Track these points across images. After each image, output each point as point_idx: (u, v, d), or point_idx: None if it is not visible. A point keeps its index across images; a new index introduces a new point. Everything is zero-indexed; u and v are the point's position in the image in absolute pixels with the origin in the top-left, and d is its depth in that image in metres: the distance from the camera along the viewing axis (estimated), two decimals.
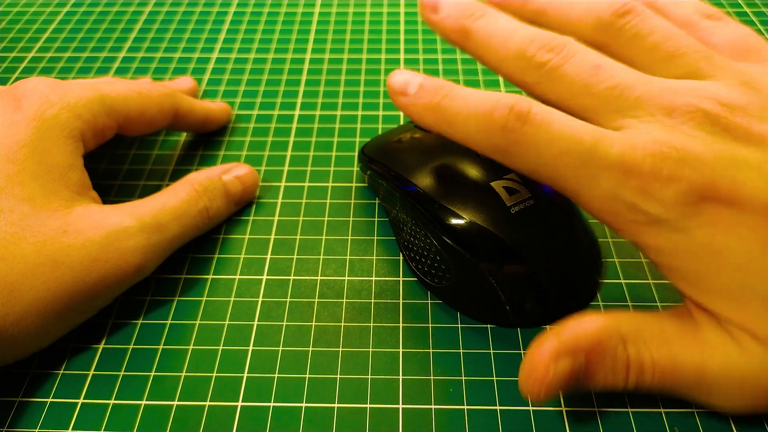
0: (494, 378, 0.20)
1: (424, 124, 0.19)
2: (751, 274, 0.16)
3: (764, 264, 0.16)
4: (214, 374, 0.21)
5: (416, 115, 0.19)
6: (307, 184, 0.27)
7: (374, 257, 0.24)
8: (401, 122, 0.30)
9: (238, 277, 0.24)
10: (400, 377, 0.20)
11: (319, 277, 0.23)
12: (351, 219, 0.26)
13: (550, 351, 0.17)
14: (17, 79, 0.34)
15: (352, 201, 0.26)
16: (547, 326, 0.22)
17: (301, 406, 0.20)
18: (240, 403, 0.20)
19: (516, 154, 0.18)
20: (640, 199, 0.17)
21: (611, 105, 0.18)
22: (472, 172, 0.22)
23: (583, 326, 0.17)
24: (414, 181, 0.23)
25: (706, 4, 0.21)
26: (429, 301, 0.23)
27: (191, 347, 0.21)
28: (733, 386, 0.17)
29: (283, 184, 0.27)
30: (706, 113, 0.17)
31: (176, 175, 0.28)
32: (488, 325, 0.22)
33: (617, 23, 0.19)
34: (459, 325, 0.22)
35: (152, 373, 0.21)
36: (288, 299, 0.23)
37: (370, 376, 0.20)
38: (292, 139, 0.30)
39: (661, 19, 0.19)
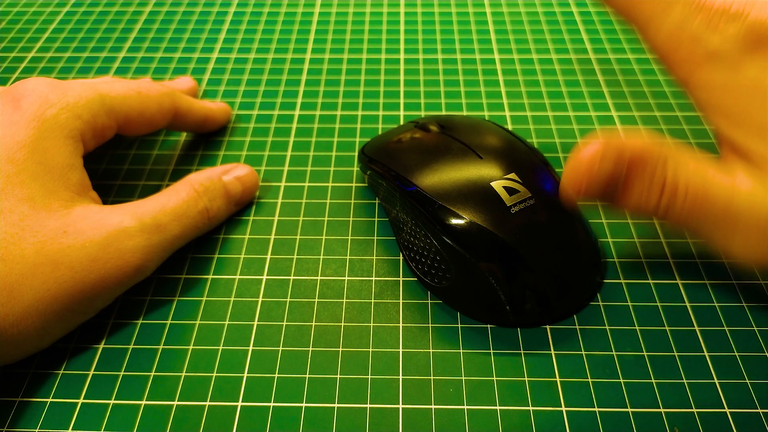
0: (494, 378, 0.20)
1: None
2: None
3: None
4: (214, 374, 0.21)
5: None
6: (307, 184, 0.27)
7: (374, 257, 0.24)
8: (401, 122, 0.30)
9: (238, 277, 0.24)
10: (400, 377, 0.20)
11: (319, 277, 0.23)
12: (351, 219, 0.26)
13: (597, 149, 0.18)
14: (17, 79, 0.34)
15: (352, 201, 0.26)
16: (548, 326, 0.22)
17: (301, 406, 0.20)
18: (240, 403, 0.20)
19: None
20: (704, 32, 0.18)
21: None
22: (472, 172, 0.22)
23: (630, 139, 0.18)
24: (414, 181, 0.23)
25: None
26: (429, 301, 0.23)
27: (191, 347, 0.21)
28: (757, 225, 0.18)
29: (283, 184, 0.27)
30: None
31: (176, 175, 0.28)
32: (488, 325, 0.22)
33: None
34: (459, 325, 0.22)
35: (152, 373, 0.21)
36: (288, 299, 0.23)
37: (370, 376, 0.20)
38: (292, 139, 0.30)
39: None
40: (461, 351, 0.21)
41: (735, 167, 0.18)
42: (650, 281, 0.23)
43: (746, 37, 0.18)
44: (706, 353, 0.21)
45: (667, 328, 0.22)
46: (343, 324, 0.22)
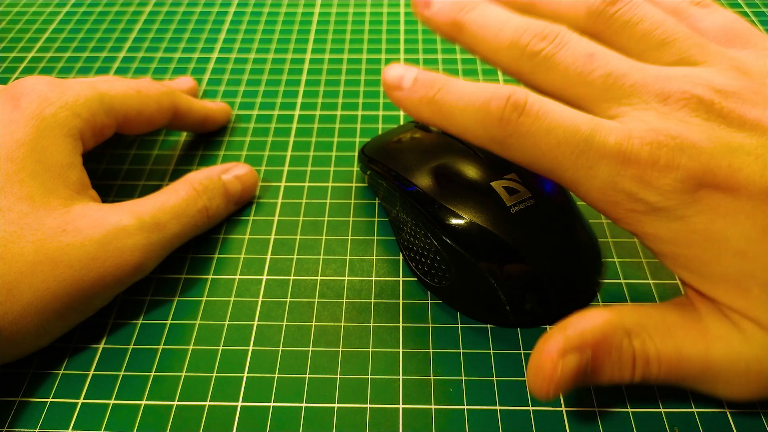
0: (494, 378, 0.20)
1: (419, 118, 0.19)
2: (751, 261, 0.16)
3: (763, 250, 0.16)
4: (214, 374, 0.21)
5: (412, 108, 0.19)
6: (307, 184, 0.27)
7: (374, 257, 0.24)
8: (401, 122, 0.30)
9: (238, 277, 0.24)
10: (400, 377, 0.20)
11: (319, 277, 0.23)
12: (351, 219, 0.26)
13: (557, 348, 0.17)
14: (17, 79, 0.34)
15: (352, 201, 0.26)
16: (547, 326, 0.22)
17: (301, 406, 0.20)
18: (240, 403, 0.20)
19: (514, 145, 0.18)
20: (639, 188, 0.17)
21: (606, 93, 0.18)
22: (472, 172, 0.22)
23: (588, 321, 0.17)
24: (414, 181, 0.23)
25: None
26: (429, 301, 0.23)
27: (191, 347, 0.21)
28: (737, 374, 0.17)
29: (283, 184, 0.27)
30: (700, 99, 0.17)
31: (176, 175, 0.28)
32: (488, 325, 0.22)
33: (608, 11, 0.19)
34: (459, 325, 0.22)
35: (152, 373, 0.21)
36: (288, 299, 0.23)
37: (370, 376, 0.20)
38: (292, 139, 0.30)
39: (651, 7, 0.19)
40: (461, 351, 0.21)
41: (704, 315, 0.18)
42: (650, 281, 0.23)
43: (684, 187, 0.16)
44: None
45: None
46: (343, 324, 0.22)
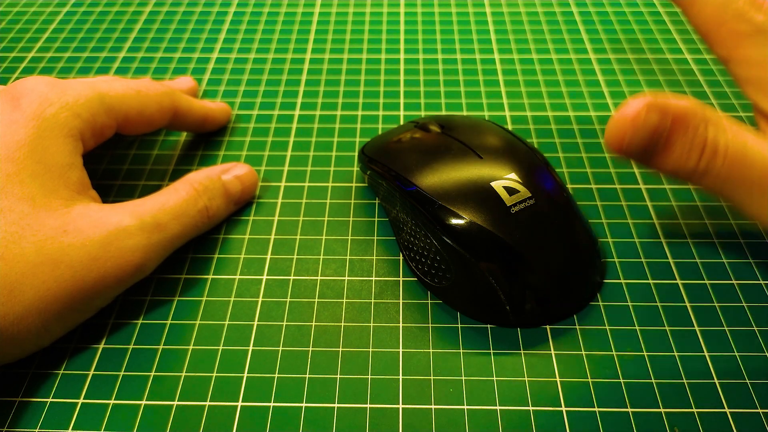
0: (494, 378, 0.20)
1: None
2: None
3: None
4: (214, 374, 0.21)
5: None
6: (307, 184, 0.27)
7: (374, 257, 0.24)
8: (401, 122, 0.30)
9: (238, 277, 0.24)
10: (400, 377, 0.20)
11: (319, 277, 0.23)
12: (351, 219, 0.26)
13: (643, 103, 0.18)
14: (17, 79, 0.34)
15: (352, 201, 0.26)
16: (548, 326, 0.22)
17: (301, 406, 0.20)
18: (240, 403, 0.20)
19: None
20: (750, 10, 0.19)
21: None
22: (472, 172, 0.22)
23: (675, 98, 0.19)
24: (414, 181, 0.23)
25: None
26: (429, 301, 0.23)
27: (191, 347, 0.21)
28: None
29: (283, 184, 0.27)
30: None
31: (176, 175, 0.28)
32: (488, 325, 0.22)
33: None
34: (459, 325, 0.22)
35: (152, 373, 0.21)
36: (288, 299, 0.23)
37: (370, 376, 0.20)
38: (292, 139, 0.30)
39: None
40: (461, 351, 0.21)
41: None
42: (650, 281, 0.23)
43: None
44: (706, 353, 0.21)
45: (667, 328, 0.22)
46: (343, 324, 0.22)
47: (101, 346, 0.21)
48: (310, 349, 0.21)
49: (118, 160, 0.29)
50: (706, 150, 0.18)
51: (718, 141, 0.18)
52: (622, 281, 0.23)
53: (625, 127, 0.18)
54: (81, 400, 0.20)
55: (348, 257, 0.24)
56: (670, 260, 0.24)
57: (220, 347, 0.21)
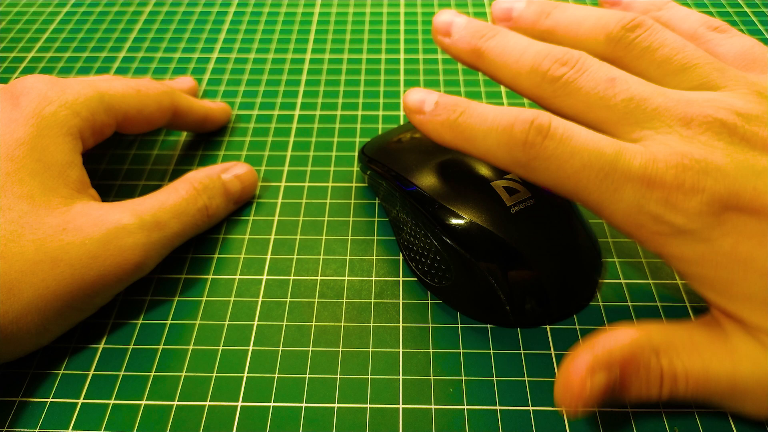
0: (494, 378, 0.20)
1: (442, 142, 0.20)
2: None
3: None
4: (214, 374, 0.21)
5: (434, 132, 0.19)
6: (307, 184, 0.27)
7: (374, 257, 0.24)
8: (401, 122, 0.30)
9: (238, 277, 0.24)
10: (400, 377, 0.20)
11: (319, 277, 0.23)
12: (351, 219, 0.26)
13: (586, 365, 0.17)
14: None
15: (352, 201, 0.26)
16: (548, 326, 0.22)
17: (301, 406, 0.20)
18: (240, 403, 0.20)
19: (537, 168, 0.18)
20: (665, 211, 0.17)
21: (628, 117, 0.18)
22: (472, 172, 0.22)
23: (616, 340, 0.17)
24: (414, 181, 0.23)
25: (711, 18, 0.21)
26: (429, 301, 0.23)
27: (191, 347, 0.21)
28: (765, 393, 0.17)
29: (283, 184, 0.27)
30: (723, 123, 0.17)
31: (176, 175, 0.28)
32: (488, 325, 0.22)
33: (627, 38, 0.19)
34: (459, 325, 0.22)
35: (152, 373, 0.21)
36: (288, 299, 0.23)
37: (370, 376, 0.20)
38: (292, 139, 0.30)
39: (670, 33, 0.19)
40: (461, 351, 0.21)
41: (730, 334, 0.18)
42: (650, 281, 0.23)
43: (710, 210, 0.16)
44: None
45: None
46: (343, 324, 0.22)
47: (101, 346, 0.21)
48: (310, 349, 0.21)
49: (118, 160, 0.29)
50: (665, 381, 0.17)
51: (675, 368, 0.17)
52: (622, 281, 0.23)
53: (575, 395, 0.17)
54: (81, 400, 0.20)
55: (348, 257, 0.24)
56: None
57: (220, 347, 0.21)
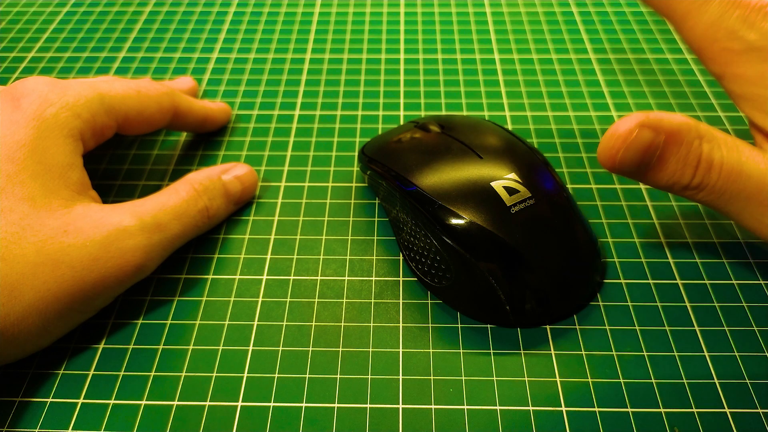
0: (494, 378, 0.20)
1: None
2: None
3: None
4: (214, 374, 0.21)
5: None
6: (307, 184, 0.27)
7: (374, 257, 0.24)
8: (401, 122, 0.30)
9: (238, 277, 0.24)
10: (400, 377, 0.20)
11: (319, 277, 0.23)
12: (351, 219, 0.26)
13: (636, 119, 0.18)
14: (17, 79, 0.34)
15: (352, 201, 0.26)
16: (548, 326, 0.22)
17: (301, 406, 0.20)
18: (240, 403, 0.20)
19: None
20: (742, 26, 0.19)
21: None
22: (472, 172, 0.22)
23: (669, 114, 0.19)
24: (414, 181, 0.23)
25: None
26: (429, 301, 0.23)
27: (191, 347, 0.21)
28: None
29: (283, 184, 0.27)
30: None
31: (176, 175, 0.28)
32: (488, 325, 0.22)
33: None
34: (459, 325, 0.22)
35: (152, 373, 0.21)
36: (288, 299, 0.23)
37: (370, 376, 0.20)
38: (292, 139, 0.30)
39: None
40: (461, 351, 0.21)
41: None
42: (650, 281, 0.23)
43: None
44: (706, 353, 0.21)
45: (667, 328, 0.22)
46: (343, 324, 0.22)
47: (101, 346, 0.21)
48: (310, 349, 0.21)
49: (118, 160, 0.29)
50: (701, 165, 0.19)
51: (713, 156, 0.19)
52: (622, 281, 0.23)
53: (617, 143, 0.18)
54: (81, 400, 0.20)
55: (348, 257, 0.24)
56: (670, 260, 0.24)
57: (220, 347, 0.21)
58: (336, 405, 0.20)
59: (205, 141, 0.30)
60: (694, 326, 0.22)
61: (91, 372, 0.21)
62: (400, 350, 0.21)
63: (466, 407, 0.20)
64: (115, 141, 0.29)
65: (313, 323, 0.22)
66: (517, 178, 0.22)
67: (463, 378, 0.20)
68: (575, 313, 0.22)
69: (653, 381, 0.20)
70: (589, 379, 0.20)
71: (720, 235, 0.25)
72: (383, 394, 0.20)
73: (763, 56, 0.19)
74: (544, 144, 0.29)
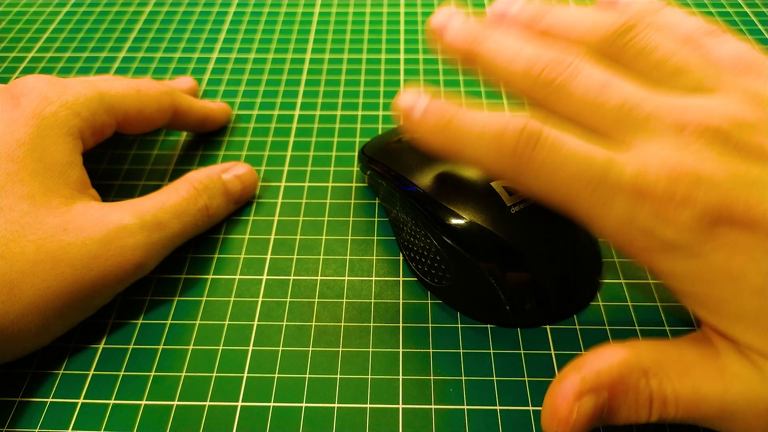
0: (494, 378, 0.20)
1: (432, 147, 0.19)
2: None
3: None
4: (214, 374, 0.21)
5: (424, 136, 0.19)
6: (307, 184, 0.27)
7: (374, 257, 0.24)
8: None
9: (238, 277, 0.24)
10: (400, 377, 0.20)
11: (319, 277, 0.23)
12: (351, 219, 0.26)
13: (573, 390, 0.16)
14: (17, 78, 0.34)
15: (352, 201, 0.26)
16: (548, 326, 0.22)
17: (301, 406, 0.20)
18: (240, 403, 0.20)
19: (527, 176, 0.18)
20: (655, 224, 0.16)
21: (621, 122, 0.18)
22: (472, 172, 0.22)
23: (604, 360, 0.17)
24: (414, 181, 0.23)
25: (705, 22, 0.21)
26: (429, 301, 0.23)
27: (191, 347, 0.21)
28: (756, 415, 0.17)
29: (283, 184, 0.27)
30: (716, 131, 0.17)
31: (176, 175, 0.28)
32: (488, 325, 0.22)
33: (621, 40, 0.19)
34: (459, 325, 0.22)
35: (152, 373, 0.21)
36: (288, 299, 0.23)
37: (370, 376, 0.20)
38: (292, 139, 0.30)
39: (664, 36, 0.19)
40: (461, 351, 0.21)
41: (721, 353, 0.17)
42: (650, 281, 0.23)
43: (701, 223, 0.16)
44: None
45: (667, 328, 0.22)
46: (343, 324, 0.22)
47: (101, 346, 0.21)
48: (310, 349, 0.21)
49: (118, 160, 0.29)
50: (654, 403, 0.17)
51: (665, 390, 0.17)
52: (622, 281, 0.23)
53: (560, 425, 0.16)
54: (81, 400, 0.20)
55: (348, 257, 0.24)
56: None
57: (220, 347, 0.21)
58: (336, 405, 0.20)
59: (205, 141, 0.30)
60: (694, 326, 0.22)
61: (91, 372, 0.21)
62: (400, 350, 0.21)
63: (466, 407, 0.20)
64: (115, 141, 0.29)
65: (313, 323, 0.22)
66: None
67: (463, 378, 0.20)
68: (575, 313, 0.22)
69: None
70: None
71: None
72: (383, 394, 0.20)
73: (689, 252, 0.16)
74: None
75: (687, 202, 0.16)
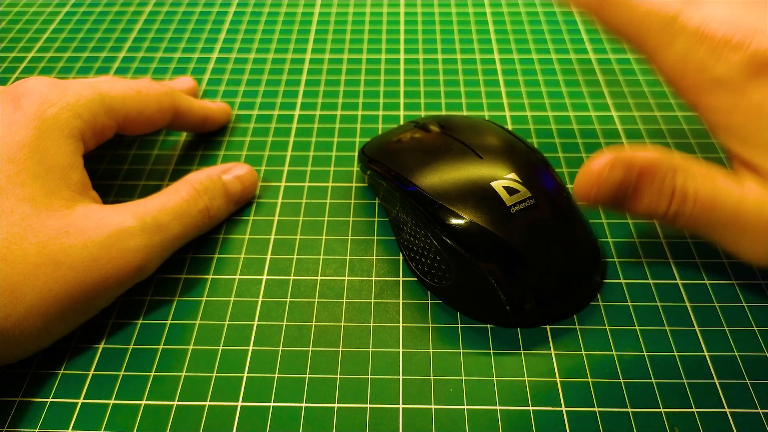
0: (494, 378, 0.20)
1: None
2: None
3: None
4: (214, 374, 0.21)
5: None
6: (307, 184, 0.27)
7: (374, 257, 0.24)
8: (401, 122, 0.30)
9: (238, 277, 0.24)
10: (400, 377, 0.20)
11: (319, 277, 0.23)
12: (351, 219, 0.26)
13: (608, 159, 0.19)
14: (17, 79, 0.34)
15: (352, 201, 0.26)
16: (548, 326, 0.22)
17: (301, 406, 0.20)
18: (240, 403, 0.20)
19: (610, 9, 0.21)
20: (710, 60, 0.19)
21: None
22: (472, 172, 0.22)
23: (641, 151, 0.20)
24: (414, 181, 0.23)
25: None
26: (429, 301, 0.23)
27: (191, 347, 0.21)
28: (765, 230, 0.19)
29: (283, 184, 0.27)
30: None
31: (176, 175, 0.28)
32: (488, 325, 0.22)
33: None
34: (459, 325, 0.22)
35: (152, 373, 0.21)
36: (288, 299, 0.23)
37: (370, 376, 0.20)
38: (292, 139, 0.30)
39: None
40: (461, 351, 0.21)
41: (744, 177, 0.19)
42: (650, 281, 0.23)
43: (749, 65, 0.19)
44: (706, 353, 0.21)
45: (667, 328, 0.22)
46: (343, 324, 0.22)
47: (101, 346, 0.21)
48: (310, 349, 0.21)
49: (118, 160, 0.29)
50: (675, 197, 0.19)
51: (687, 187, 0.19)
52: (622, 281, 0.23)
53: (591, 181, 0.19)
54: (81, 400, 0.20)
55: (348, 257, 0.24)
56: (670, 260, 0.24)
57: (220, 347, 0.21)
58: (336, 405, 0.20)
59: (205, 141, 0.30)
60: (694, 326, 0.22)
61: (91, 372, 0.21)
62: (400, 350, 0.21)
63: (466, 407, 0.20)
64: (115, 141, 0.29)
65: (313, 323, 0.22)
66: (517, 178, 0.22)
67: (463, 378, 0.20)
68: (575, 313, 0.22)
69: (653, 381, 0.20)
70: (589, 379, 0.20)
71: None
72: (383, 394, 0.20)
73: (733, 88, 0.19)
74: (544, 144, 0.29)
75: (741, 45, 0.19)
